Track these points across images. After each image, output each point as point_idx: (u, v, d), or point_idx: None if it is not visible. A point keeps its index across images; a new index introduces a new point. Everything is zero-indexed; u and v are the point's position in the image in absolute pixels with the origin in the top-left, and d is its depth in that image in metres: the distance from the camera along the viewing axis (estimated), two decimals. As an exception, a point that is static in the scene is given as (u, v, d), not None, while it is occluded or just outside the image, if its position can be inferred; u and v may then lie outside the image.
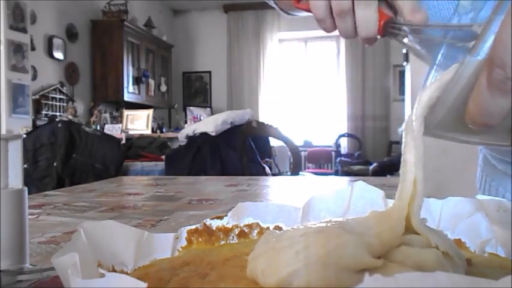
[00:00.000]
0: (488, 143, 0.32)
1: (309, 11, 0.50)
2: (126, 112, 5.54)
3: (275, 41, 6.94)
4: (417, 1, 0.44)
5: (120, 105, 5.75)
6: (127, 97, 5.77)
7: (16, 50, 4.09)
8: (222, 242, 0.40)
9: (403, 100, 4.86)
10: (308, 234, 0.28)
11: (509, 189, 0.65)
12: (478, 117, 0.26)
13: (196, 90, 7.42)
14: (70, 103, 4.99)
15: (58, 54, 4.88)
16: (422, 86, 0.32)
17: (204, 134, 2.98)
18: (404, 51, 3.20)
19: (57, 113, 4.76)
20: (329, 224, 0.30)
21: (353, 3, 0.46)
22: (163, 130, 5.94)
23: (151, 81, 6.46)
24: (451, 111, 0.28)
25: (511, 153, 0.60)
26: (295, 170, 3.44)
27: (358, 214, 0.36)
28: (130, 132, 5.12)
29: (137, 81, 6.07)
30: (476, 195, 0.39)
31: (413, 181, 0.30)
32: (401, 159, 0.31)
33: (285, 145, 3.48)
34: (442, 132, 0.31)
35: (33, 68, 4.46)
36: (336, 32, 0.50)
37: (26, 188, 0.43)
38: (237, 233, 0.41)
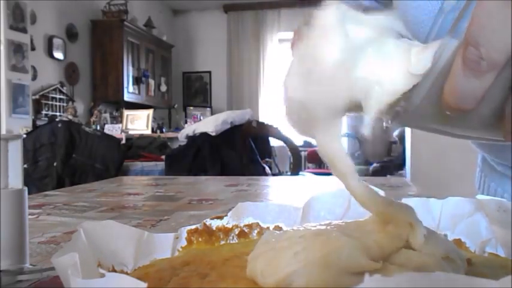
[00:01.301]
0: (469, 136, 0.31)
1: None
2: (126, 112, 5.54)
3: (275, 41, 6.94)
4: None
5: (120, 105, 5.75)
6: (127, 97, 5.77)
7: (16, 50, 4.09)
8: (222, 242, 0.40)
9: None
10: (307, 235, 0.28)
11: (508, 190, 0.65)
12: (452, 100, 0.24)
13: (196, 90, 7.42)
14: (70, 103, 4.99)
15: (58, 54, 4.88)
16: None
17: (204, 134, 2.98)
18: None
19: (57, 113, 4.76)
20: (328, 227, 0.30)
21: None
22: (163, 130, 5.94)
23: (151, 81, 6.46)
24: (428, 98, 0.26)
25: (511, 156, 0.60)
26: (295, 170, 3.44)
27: (358, 214, 0.36)
28: (130, 132, 5.12)
29: (137, 81, 6.07)
30: (476, 195, 0.39)
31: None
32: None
33: (285, 145, 3.48)
34: (421, 122, 0.29)
35: (33, 68, 4.46)
36: None
37: (26, 188, 0.43)
38: (237, 233, 0.41)
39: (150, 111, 5.57)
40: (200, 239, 0.39)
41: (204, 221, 0.40)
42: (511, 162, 0.62)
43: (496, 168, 0.67)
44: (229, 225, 0.41)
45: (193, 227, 0.40)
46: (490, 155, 0.66)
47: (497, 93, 0.24)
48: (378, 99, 0.26)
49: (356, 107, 0.28)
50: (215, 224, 0.40)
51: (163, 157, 3.47)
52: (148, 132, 5.30)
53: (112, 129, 5.00)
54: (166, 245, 0.37)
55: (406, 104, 0.27)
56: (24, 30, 4.20)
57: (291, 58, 0.29)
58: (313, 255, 0.26)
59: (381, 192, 0.42)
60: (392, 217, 0.28)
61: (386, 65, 0.26)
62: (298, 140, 3.54)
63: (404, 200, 0.42)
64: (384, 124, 0.29)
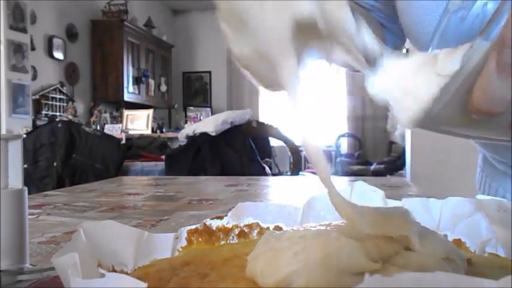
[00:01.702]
0: (486, 137, 0.30)
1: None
2: (126, 112, 5.54)
3: (275, 41, 6.93)
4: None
5: (120, 105, 5.75)
6: (127, 97, 5.77)
7: (16, 50, 4.09)
8: (222, 242, 0.40)
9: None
10: (307, 236, 0.28)
11: (509, 189, 0.65)
12: (483, 103, 0.24)
13: (196, 90, 7.42)
14: (70, 103, 4.99)
15: (58, 54, 4.88)
16: None
17: (204, 134, 2.98)
18: (404, 50, 3.19)
19: (57, 113, 4.76)
20: (328, 228, 0.30)
21: None
22: (163, 130, 5.94)
23: (151, 81, 6.46)
24: (452, 101, 0.25)
25: (511, 154, 0.60)
26: (295, 170, 3.44)
27: (358, 214, 0.36)
28: (130, 132, 5.12)
29: (137, 81, 6.07)
30: (476, 195, 0.39)
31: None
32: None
33: (285, 145, 3.48)
34: (439, 125, 0.28)
35: (33, 68, 4.46)
36: None
37: (26, 188, 0.43)
38: (237, 233, 0.41)
39: (150, 111, 5.57)
40: (200, 239, 0.39)
41: (204, 221, 0.40)
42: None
43: (498, 167, 0.66)
44: (229, 225, 0.41)
45: (193, 227, 0.40)
46: (495, 155, 0.65)
47: None
48: (411, 108, 0.26)
49: (309, 28, 0.26)
50: (215, 224, 0.40)
51: (163, 157, 3.47)
52: (148, 132, 5.30)
53: (112, 129, 5.00)
54: (166, 245, 0.37)
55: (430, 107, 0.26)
56: (24, 30, 4.20)
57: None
58: (313, 255, 0.26)
59: (381, 192, 0.42)
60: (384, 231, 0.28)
61: (414, 71, 0.26)
62: (298, 140, 3.54)
63: (404, 200, 0.42)
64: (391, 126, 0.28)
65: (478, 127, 0.27)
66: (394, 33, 0.67)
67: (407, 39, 0.70)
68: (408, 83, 0.26)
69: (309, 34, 0.26)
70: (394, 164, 5.29)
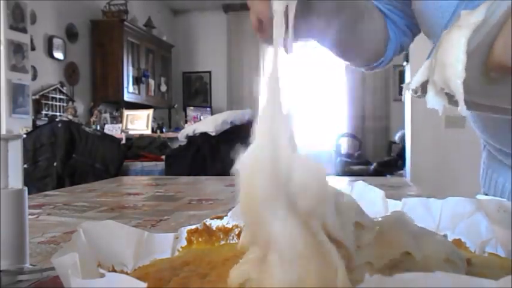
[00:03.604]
0: (497, 107, 0.30)
1: None
2: (126, 112, 5.53)
3: (275, 41, 6.93)
4: None
5: (120, 105, 5.75)
6: (127, 97, 5.77)
7: (16, 50, 4.09)
8: (222, 242, 0.40)
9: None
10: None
11: (508, 179, 0.65)
12: (504, 57, 0.23)
13: (196, 90, 7.42)
14: (70, 103, 4.98)
15: (58, 54, 4.88)
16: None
17: (204, 134, 2.98)
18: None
19: (57, 113, 4.76)
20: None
21: None
22: (163, 130, 5.94)
23: (151, 81, 6.46)
24: (474, 56, 0.25)
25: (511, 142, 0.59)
26: (295, 170, 3.43)
27: (358, 214, 0.36)
28: (131, 132, 5.12)
29: (137, 81, 6.07)
30: (477, 195, 0.39)
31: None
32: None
33: (285, 145, 3.47)
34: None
35: (33, 68, 4.46)
36: None
37: (26, 188, 0.43)
38: (237, 233, 0.41)
39: (150, 111, 5.56)
40: (200, 239, 0.39)
41: (204, 221, 0.40)
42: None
43: (503, 161, 0.66)
44: (229, 225, 0.41)
45: (193, 227, 0.40)
46: (495, 142, 0.65)
47: None
48: (454, 73, 0.25)
49: None
50: (215, 224, 0.40)
51: (163, 157, 3.47)
52: (148, 132, 5.30)
53: (112, 129, 5.00)
54: (166, 245, 0.37)
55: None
56: (24, 30, 4.19)
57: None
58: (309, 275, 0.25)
59: (381, 192, 0.42)
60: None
61: (442, 45, 0.25)
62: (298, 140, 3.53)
63: (404, 200, 0.42)
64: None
65: (493, 92, 0.27)
66: (400, 28, 0.67)
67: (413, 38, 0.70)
68: (442, 53, 0.25)
69: None
70: (394, 164, 5.29)
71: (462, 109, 0.25)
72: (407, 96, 0.31)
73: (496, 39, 0.24)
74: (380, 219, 0.31)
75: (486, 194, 0.66)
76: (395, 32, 0.67)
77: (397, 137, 5.58)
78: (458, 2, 0.50)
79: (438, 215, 0.40)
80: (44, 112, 4.61)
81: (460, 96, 0.25)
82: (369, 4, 0.64)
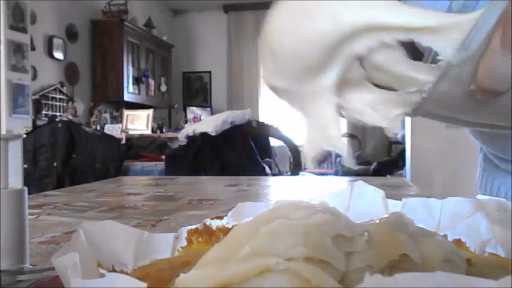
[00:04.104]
0: (488, 124, 0.30)
1: None
2: (126, 112, 5.54)
3: (275, 41, 6.93)
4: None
5: (120, 105, 5.75)
6: (127, 97, 5.77)
7: (16, 50, 4.09)
8: (222, 242, 0.40)
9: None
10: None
11: (504, 182, 0.65)
12: (486, 81, 0.24)
13: (196, 90, 7.42)
14: (70, 103, 4.99)
15: (58, 54, 4.88)
16: None
17: (204, 134, 2.98)
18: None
19: (57, 113, 4.76)
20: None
21: None
22: (163, 130, 5.94)
23: (151, 81, 6.46)
24: (458, 80, 0.25)
25: (511, 144, 0.59)
26: (295, 170, 3.44)
27: (358, 214, 0.36)
28: (131, 132, 5.12)
29: (137, 81, 6.07)
30: (476, 195, 0.39)
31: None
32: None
33: (285, 145, 3.48)
34: (439, 109, 0.28)
35: (33, 68, 4.46)
36: None
37: (26, 188, 0.43)
38: (237, 233, 0.41)
39: (150, 111, 5.57)
40: (200, 239, 0.39)
41: (204, 221, 0.40)
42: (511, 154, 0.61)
43: (500, 166, 0.66)
44: (229, 225, 0.41)
45: (193, 227, 0.40)
46: (494, 150, 0.65)
47: None
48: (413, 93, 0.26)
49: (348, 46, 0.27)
50: (215, 224, 0.40)
51: (163, 157, 3.47)
52: (148, 132, 5.30)
53: (112, 129, 5.00)
54: (166, 245, 0.37)
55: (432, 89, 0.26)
56: (24, 30, 4.19)
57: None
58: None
59: (381, 192, 0.42)
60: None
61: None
62: (298, 140, 3.54)
63: (404, 200, 0.42)
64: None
65: (481, 111, 0.27)
66: None
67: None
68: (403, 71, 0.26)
69: None
70: (394, 164, 5.29)
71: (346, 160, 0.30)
72: None
73: (480, 62, 0.24)
74: (377, 221, 0.31)
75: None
76: None
77: (399, 136, 5.58)
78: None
79: (438, 215, 0.40)
80: (44, 112, 4.61)
81: (343, 152, 0.29)
82: None
